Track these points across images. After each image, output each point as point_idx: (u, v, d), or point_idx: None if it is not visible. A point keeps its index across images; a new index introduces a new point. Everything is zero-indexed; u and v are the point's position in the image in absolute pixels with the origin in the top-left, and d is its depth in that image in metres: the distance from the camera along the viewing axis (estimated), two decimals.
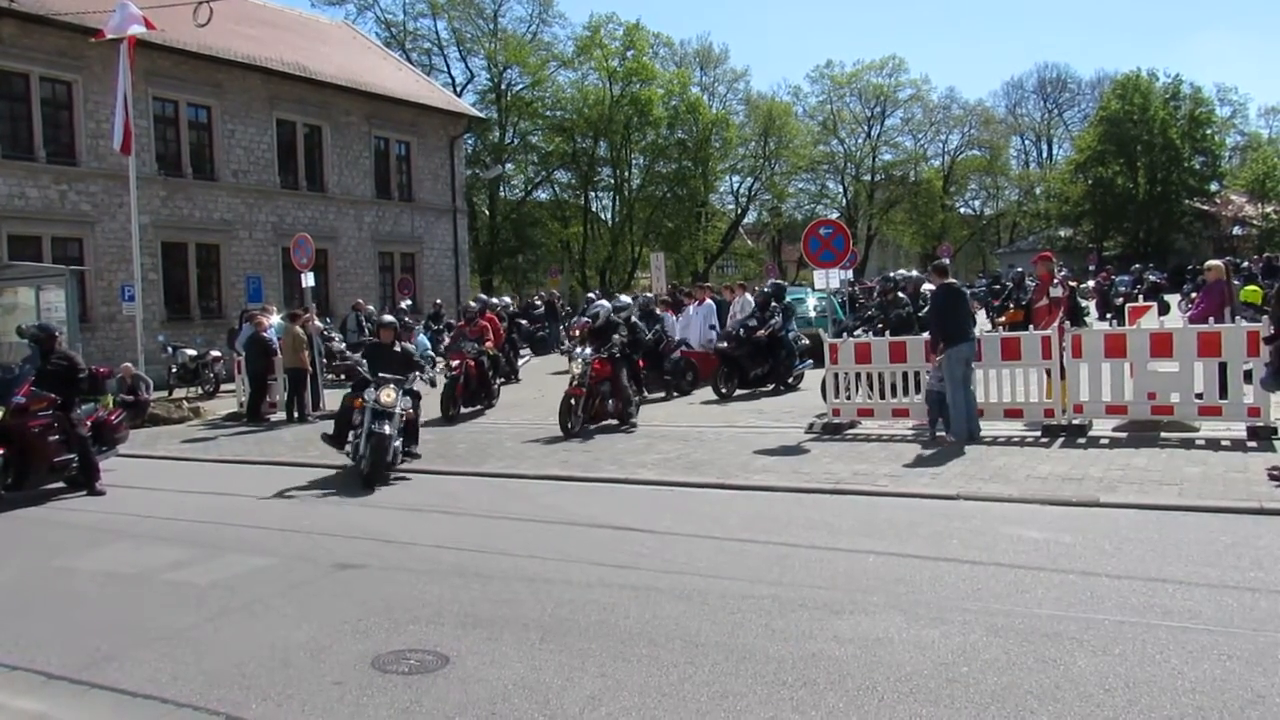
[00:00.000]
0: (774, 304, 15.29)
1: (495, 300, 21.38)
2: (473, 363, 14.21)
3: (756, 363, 14.90)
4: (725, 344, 15.13)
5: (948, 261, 13.27)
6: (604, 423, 12.34)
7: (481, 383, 14.50)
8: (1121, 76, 54.78)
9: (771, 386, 15.09)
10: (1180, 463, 8.37)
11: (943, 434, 10.13)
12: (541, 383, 18.16)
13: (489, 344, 14.91)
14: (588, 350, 12.20)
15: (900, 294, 13.30)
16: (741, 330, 15.00)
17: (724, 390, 14.55)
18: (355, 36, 34.38)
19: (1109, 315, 23.70)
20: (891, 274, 16.80)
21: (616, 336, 12.55)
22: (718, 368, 14.94)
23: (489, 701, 4.18)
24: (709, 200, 56.19)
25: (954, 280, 11.08)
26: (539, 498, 8.68)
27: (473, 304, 16.41)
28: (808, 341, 15.79)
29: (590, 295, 25.13)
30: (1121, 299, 23.80)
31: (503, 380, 16.44)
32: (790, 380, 15.27)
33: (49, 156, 20.43)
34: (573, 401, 11.79)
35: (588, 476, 9.51)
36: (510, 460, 10.57)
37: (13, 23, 19.53)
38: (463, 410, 14.01)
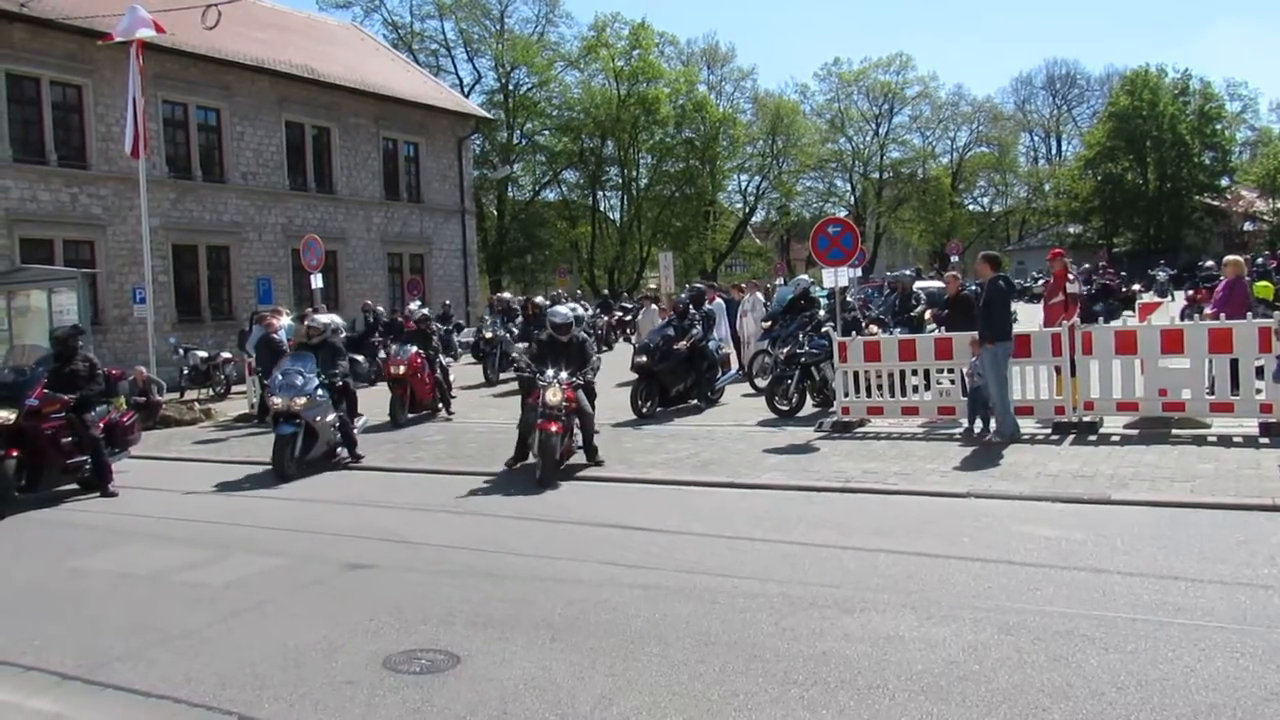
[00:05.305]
0: (693, 312, 14.24)
1: (323, 317, 12.31)
2: None
3: (678, 377, 13.46)
4: (642, 358, 13.39)
5: (997, 254, 11.69)
6: (570, 461, 9.93)
7: None
8: (1130, 72, 54.56)
9: (694, 402, 13.73)
10: (1192, 460, 8.33)
11: (980, 432, 9.94)
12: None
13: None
14: (563, 374, 9.61)
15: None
16: (660, 342, 13.44)
17: (643, 409, 12.96)
18: (363, 38, 34.47)
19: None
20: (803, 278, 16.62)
21: (597, 358, 10.50)
22: (635, 384, 13.46)
23: (500, 701, 4.19)
24: (717, 199, 56.16)
25: (1005, 274, 10.68)
26: (548, 497, 8.68)
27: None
28: (729, 351, 15.19)
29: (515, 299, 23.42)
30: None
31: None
32: (711, 394, 13.94)
33: (60, 160, 20.52)
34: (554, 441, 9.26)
35: (596, 476, 9.51)
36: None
37: (24, 27, 19.60)
38: None
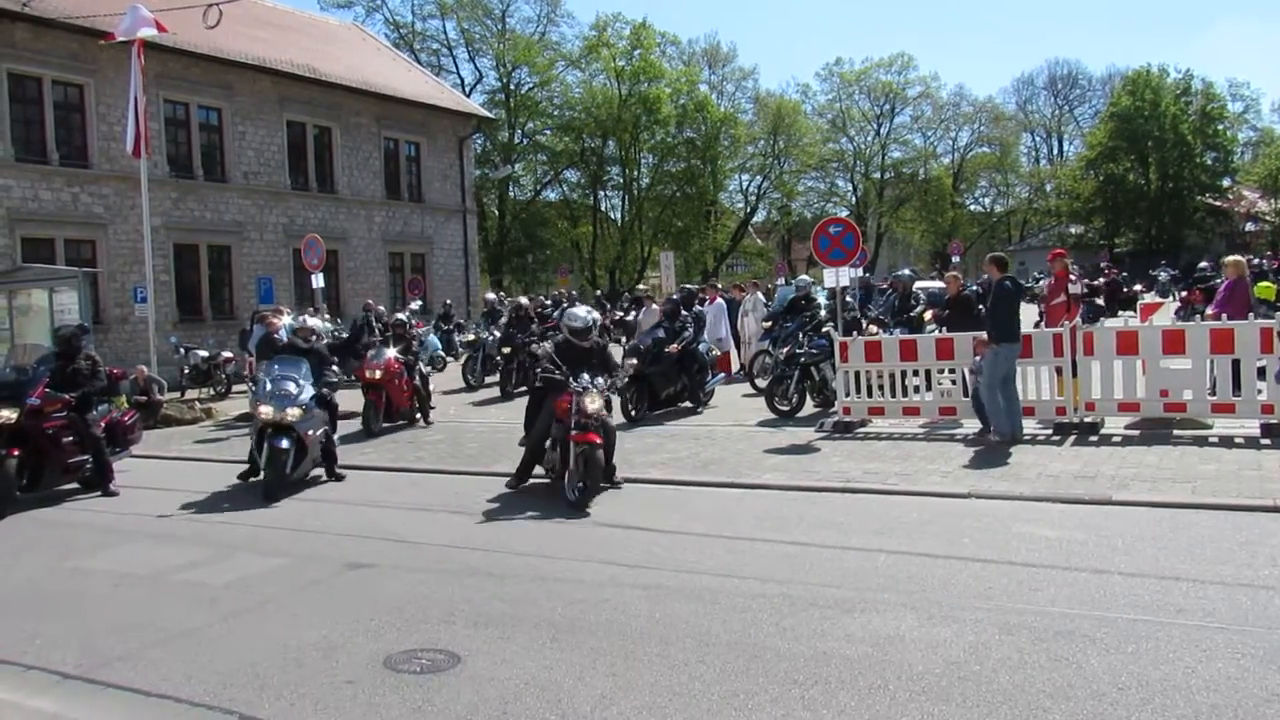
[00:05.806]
0: (684, 313, 14.03)
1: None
2: None
3: (669, 380, 13.27)
4: (633, 360, 12.75)
5: (1004, 255, 11.11)
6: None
7: None
8: (1132, 72, 54.52)
9: (686, 404, 13.55)
10: (1193, 460, 8.32)
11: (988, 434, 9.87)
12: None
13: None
14: (599, 379, 8.78)
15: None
16: (651, 344, 13.27)
17: (634, 412, 12.75)
18: (364, 38, 34.49)
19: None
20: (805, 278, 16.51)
21: (630, 362, 10.19)
22: (625, 387, 12.53)
23: (500, 701, 4.19)
24: (718, 199, 56.16)
25: (1013, 275, 10.56)
26: (549, 497, 8.67)
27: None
28: (719, 353, 15.05)
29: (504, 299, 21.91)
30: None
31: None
32: (702, 397, 13.68)
33: (62, 159, 20.53)
34: (588, 455, 8.36)
35: None
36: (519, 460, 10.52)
37: (25, 27, 19.61)
38: None
